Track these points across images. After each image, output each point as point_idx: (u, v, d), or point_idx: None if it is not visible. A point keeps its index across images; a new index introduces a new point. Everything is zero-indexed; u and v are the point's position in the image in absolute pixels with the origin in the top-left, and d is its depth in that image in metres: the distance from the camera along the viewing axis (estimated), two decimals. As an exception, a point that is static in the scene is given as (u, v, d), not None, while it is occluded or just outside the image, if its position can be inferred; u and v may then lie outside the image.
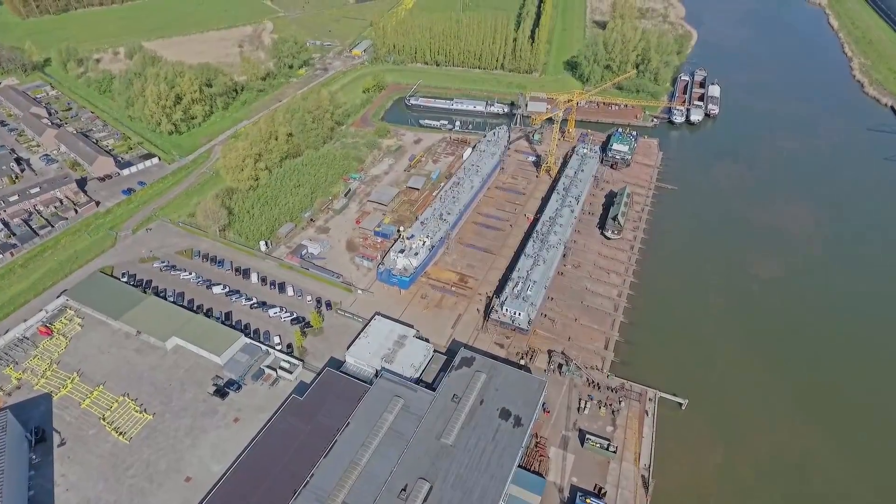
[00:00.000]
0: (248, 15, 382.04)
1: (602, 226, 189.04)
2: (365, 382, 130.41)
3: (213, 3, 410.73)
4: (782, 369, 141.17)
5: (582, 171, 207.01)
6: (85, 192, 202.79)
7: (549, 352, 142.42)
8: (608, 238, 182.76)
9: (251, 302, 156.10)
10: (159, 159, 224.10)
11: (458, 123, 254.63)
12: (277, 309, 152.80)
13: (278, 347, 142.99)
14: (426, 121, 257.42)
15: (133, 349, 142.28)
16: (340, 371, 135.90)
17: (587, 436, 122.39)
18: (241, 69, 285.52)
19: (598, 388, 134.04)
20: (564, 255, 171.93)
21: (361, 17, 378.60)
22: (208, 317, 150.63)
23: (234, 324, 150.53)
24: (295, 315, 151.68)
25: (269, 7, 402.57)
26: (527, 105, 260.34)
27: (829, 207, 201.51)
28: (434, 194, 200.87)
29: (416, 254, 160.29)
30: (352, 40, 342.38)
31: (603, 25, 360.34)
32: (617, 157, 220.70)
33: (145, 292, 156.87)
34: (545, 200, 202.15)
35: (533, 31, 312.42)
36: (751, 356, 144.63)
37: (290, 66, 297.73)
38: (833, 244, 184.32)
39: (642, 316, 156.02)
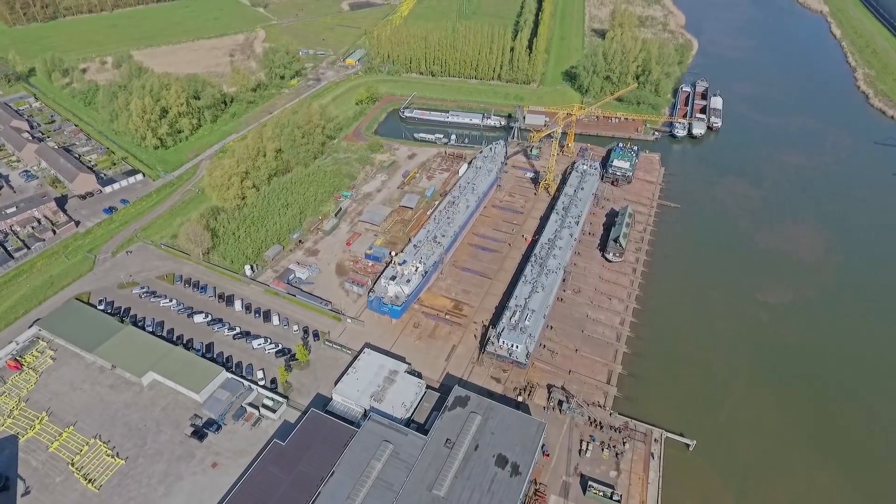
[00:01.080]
0: (240, 23, 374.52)
1: (603, 247, 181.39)
2: (352, 424, 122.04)
3: (205, 10, 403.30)
4: (796, 407, 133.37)
5: (582, 188, 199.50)
6: (64, 211, 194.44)
7: (549, 387, 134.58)
8: (609, 260, 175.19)
9: (234, 332, 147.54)
10: (144, 175, 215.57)
11: (453, 137, 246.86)
12: (262, 340, 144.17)
13: (261, 383, 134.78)
14: (421, 134, 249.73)
15: (107, 385, 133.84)
16: (327, 410, 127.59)
17: (589, 482, 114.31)
18: (231, 80, 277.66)
19: (601, 427, 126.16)
20: (564, 280, 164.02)
21: (356, 25, 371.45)
22: (188, 349, 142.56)
23: (215, 356, 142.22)
24: (280, 346, 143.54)
25: (262, 14, 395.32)
26: (524, 118, 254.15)
27: (838, 229, 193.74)
28: (428, 213, 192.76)
29: (409, 281, 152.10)
30: (346, 49, 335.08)
31: (602, 34, 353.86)
32: (618, 173, 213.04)
33: (122, 321, 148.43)
34: (544, 220, 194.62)
35: (531, 41, 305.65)
36: (762, 392, 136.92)
37: (282, 77, 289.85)
38: (844, 269, 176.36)
39: (646, 346, 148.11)
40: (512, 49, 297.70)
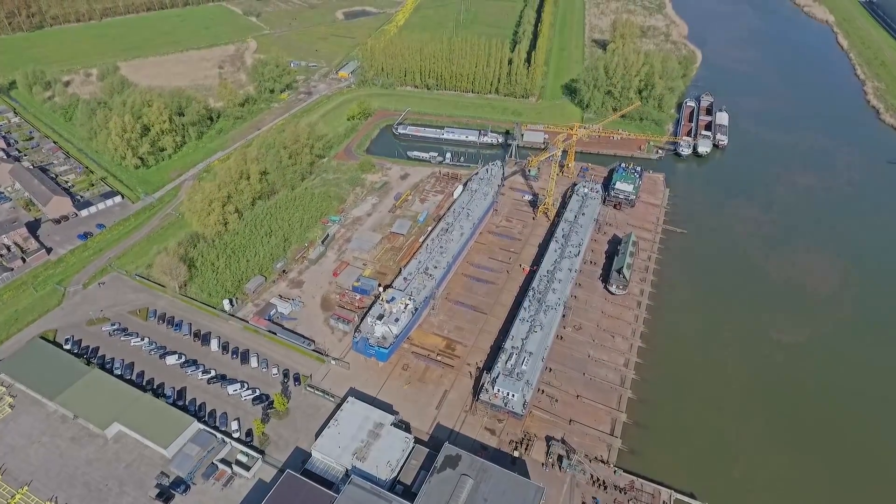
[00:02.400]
0: (231, 33, 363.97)
1: (605, 278, 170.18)
2: (332, 487, 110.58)
3: (196, 20, 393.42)
4: (817, 462, 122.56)
5: (583, 214, 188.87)
6: (36, 237, 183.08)
7: (548, 440, 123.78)
8: (612, 293, 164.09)
9: (209, 376, 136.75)
10: (122, 197, 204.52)
11: (448, 155, 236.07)
12: (238, 385, 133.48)
13: (236, 435, 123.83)
14: (414, 152, 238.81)
15: (68, 437, 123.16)
16: (305, 470, 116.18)
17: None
18: (219, 94, 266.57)
19: (605, 487, 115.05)
20: (564, 316, 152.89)
21: (350, 36, 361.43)
22: (158, 396, 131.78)
23: (186, 404, 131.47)
24: (258, 393, 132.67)
25: (254, 24, 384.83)
26: (522, 136, 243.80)
27: (853, 257, 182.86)
28: (420, 240, 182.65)
29: (397, 320, 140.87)
30: (339, 61, 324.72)
31: (603, 45, 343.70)
32: (620, 196, 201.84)
33: (89, 363, 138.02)
34: (542, 247, 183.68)
35: (529, 53, 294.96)
36: (779, 444, 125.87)
37: (272, 91, 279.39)
38: (863, 303, 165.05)
39: (652, 391, 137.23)
40: (510, 61, 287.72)
